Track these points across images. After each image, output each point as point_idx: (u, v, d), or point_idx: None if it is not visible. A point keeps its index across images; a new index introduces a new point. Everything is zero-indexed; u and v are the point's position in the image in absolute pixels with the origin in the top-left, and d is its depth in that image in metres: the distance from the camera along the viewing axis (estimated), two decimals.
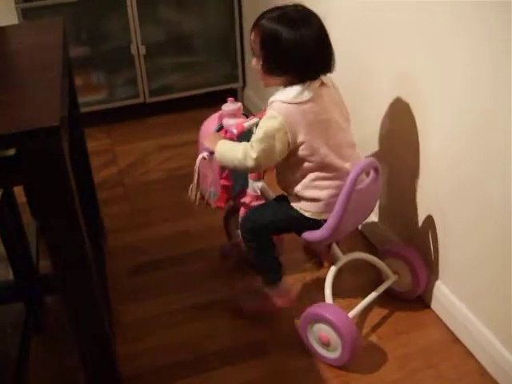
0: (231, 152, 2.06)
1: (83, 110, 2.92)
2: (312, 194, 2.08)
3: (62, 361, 2.21)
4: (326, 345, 2.13)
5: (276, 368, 2.18)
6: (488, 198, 1.93)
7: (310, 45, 1.95)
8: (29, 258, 2.31)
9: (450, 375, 2.09)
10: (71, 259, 1.54)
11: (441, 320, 2.30)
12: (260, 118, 2.10)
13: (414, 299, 2.38)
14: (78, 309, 1.64)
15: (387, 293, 2.34)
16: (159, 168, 3.48)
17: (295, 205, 2.13)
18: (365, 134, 2.54)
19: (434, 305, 2.34)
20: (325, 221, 2.09)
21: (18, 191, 2.49)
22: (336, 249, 2.28)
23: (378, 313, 2.38)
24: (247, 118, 2.26)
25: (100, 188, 2.99)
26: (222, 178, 2.31)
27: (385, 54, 2.37)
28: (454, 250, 2.19)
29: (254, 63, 2.07)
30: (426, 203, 2.30)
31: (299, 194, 2.11)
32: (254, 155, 1.98)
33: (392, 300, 2.39)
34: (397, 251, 2.38)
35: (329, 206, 2.07)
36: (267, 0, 3.42)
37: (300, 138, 1.99)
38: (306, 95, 1.98)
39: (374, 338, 2.27)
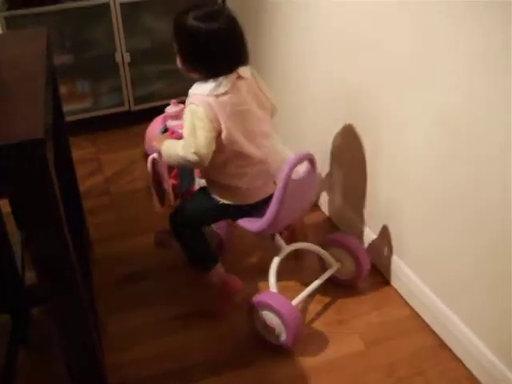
0: (173, 150, 2.16)
1: (68, 118, 2.91)
2: (230, 181, 2.22)
3: (49, 372, 2.20)
4: (271, 330, 2.23)
5: (262, 377, 2.19)
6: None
7: (219, 38, 2.06)
8: (14, 270, 2.29)
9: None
10: (57, 270, 1.52)
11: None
12: None
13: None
14: (64, 319, 1.62)
15: (331, 281, 2.48)
16: (145, 176, 3.47)
17: (215, 194, 2.28)
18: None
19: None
20: (246, 206, 2.25)
21: (3, 202, 2.48)
22: (279, 239, 2.38)
23: (321, 300, 2.50)
24: None
25: (86, 197, 2.97)
26: (170, 178, 2.41)
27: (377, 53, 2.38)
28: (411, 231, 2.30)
29: (177, 60, 2.19)
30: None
31: (218, 181, 2.24)
32: (193, 149, 2.07)
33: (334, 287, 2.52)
34: (338, 240, 2.50)
35: (245, 193, 2.23)
36: (251, 6, 3.45)
37: (221, 128, 2.10)
38: (223, 88, 2.09)
39: (316, 325, 2.39)
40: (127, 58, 3.86)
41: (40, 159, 1.35)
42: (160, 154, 2.27)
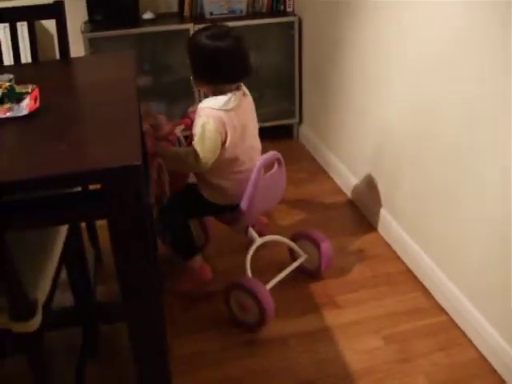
0: (180, 158, 2.43)
1: None
2: (219, 182, 2.50)
3: None
4: (245, 310, 2.49)
5: None
6: None
7: (226, 54, 2.37)
8: (88, 286, 2.34)
9: None
10: (141, 289, 1.57)
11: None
12: (184, 125, 2.67)
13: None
14: (142, 338, 1.66)
15: (299, 270, 2.79)
16: None
17: (204, 192, 2.54)
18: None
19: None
20: (226, 205, 2.54)
21: None
22: (252, 232, 2.68)
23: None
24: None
25: None
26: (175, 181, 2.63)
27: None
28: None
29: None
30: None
31: (209, 181, 2.51)
32: (201, 155, 2.35)
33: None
34: (306, 234, 2.79)
35: (229, 194, 2.51)
36: (326, 36, 3.50)
37: (226, 139, 2.38)
38: (232, 104, 2.38)
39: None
40: None
41: (136, 184, 1.40)
42: (164, 160, 2.50)
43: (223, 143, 2.39)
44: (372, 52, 3.00)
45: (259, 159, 2.45)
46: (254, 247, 2.66)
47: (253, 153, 2.54)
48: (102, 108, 1.81)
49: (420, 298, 2.67)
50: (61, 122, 1.71)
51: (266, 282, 2.57)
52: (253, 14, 4.03)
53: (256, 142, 2.58)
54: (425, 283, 2.72)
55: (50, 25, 3.70)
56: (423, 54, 2.52)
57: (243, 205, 2.47)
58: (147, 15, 3.99)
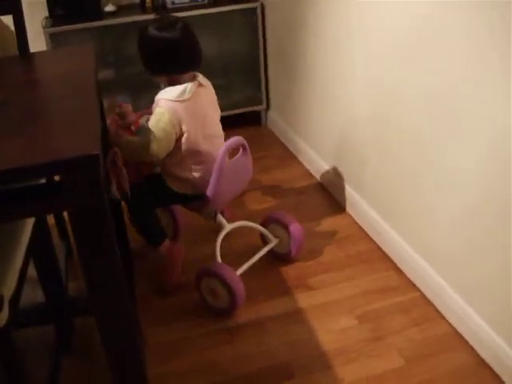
0: (133, 147, 2.44)
1: None
2: (185, 174, 2.52)
3: (92, 381, 2.24)
4: (216, 297, 2.50)
5: None
6: None
7: (173, 45, 2.40)
8: (59, 281, 2.33)
9: None
10: (106, 281, 1.56)
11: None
12: (149, 114, 2.56)
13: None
14: (111, 331, 1.65)
15: (272, 255, 2.82)
16: None
17: (170, 183, 2.56)
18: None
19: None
20: (194, 195, 2.56)
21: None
22: (221, 218, 2.70)
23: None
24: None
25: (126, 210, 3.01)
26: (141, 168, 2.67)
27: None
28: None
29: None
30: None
31: (175, 174, 2.53)
32: (155, 147, 2.38)
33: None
34: (276, 218, 2.80)
35: (196, 184, 2.53)
36: (290, 22, 3.50)
37: (183, 129, 2.41)
38: (187, 94, 2.41)
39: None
40: None
41: (94, 174, 1.39)
42: (120, 148, 2.44)
43: (180, 136, 2.43)
44: (334, 36, 3.01)
45: (224, 144, 2.47)
46: (223, 233, 2.68)
47: (216, 141, 2.57)
48: (61, 101, 1.80)
49: (392, 275, 2.69)
50: (19, 116, 1.70)
51: (238, 268, 2.60)
52: (214, 2, 4.01)
53: (218, 130, 2.61)
54: (396, 261, 2.74)
55: (9, 21, 3.66)
56: (384, 39, 2.54)
57: (209, 191, 2.48)
58: (109, 8, 3.96)
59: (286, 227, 2.76)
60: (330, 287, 2.65)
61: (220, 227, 2.70)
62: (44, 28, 3.70)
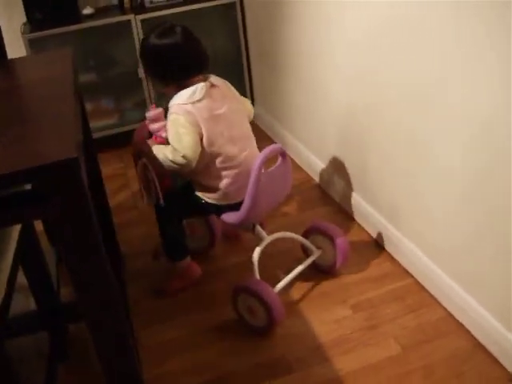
0: (162, 155, 2.32)
1: (95, 135, 2.94)
2: (211, 183, 2.41)
3: None
4: (253, 314, 2.38)
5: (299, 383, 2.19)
6: None
7: (175, 49, 2.34)
8: (50, 287, 2.32)
9: None
10: (94, 285, 1.55)
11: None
12: None
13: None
14: (102, 335, 1.64)
15: (313, 267, 2.65)
16: None
17: (199, 192, 2.47)
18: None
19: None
20: (227, 205, 2.43)
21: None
22: (259, 230, 2.54)
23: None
24: None
25: (114, 212, 2.99)
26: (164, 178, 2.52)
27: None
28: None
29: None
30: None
31: (203, 182, 2.43)
32: (181, 153, 2.27)
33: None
34: (319, 228, 2.63)
35: (229, 194, 2.41)
36: (270, 15, 3.49)
37: (201, 131, 2.30)
38: (197, 95, 2.31)
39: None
40: None
41: (75, 178, 1.38)
42: (149, 159, 2.40)
43: (201, 137, 2.31)
44: (314, 27, 2.99)
45: (257, 154, 2.34)
46: (262, 246, 2.51)
47: (246, 143, 2.44)
48: (39, 107, 1.79)
49: (384, 263, 2.68)
50: None
51: (276, 283, 2.47)
52: None
53: (242, 131, 2.44)
54: (389, 250, 2.74)
55: None
56: (364, 31, 2.53)
57: (246, 205, 2.33)
58: (87, 10, 3.93)
59: (331, 239, 2.58)
60: (323, 278, 2.64)
61: (259, 239, 2.54)
62: (23, 34, 3.68)
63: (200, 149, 2.31)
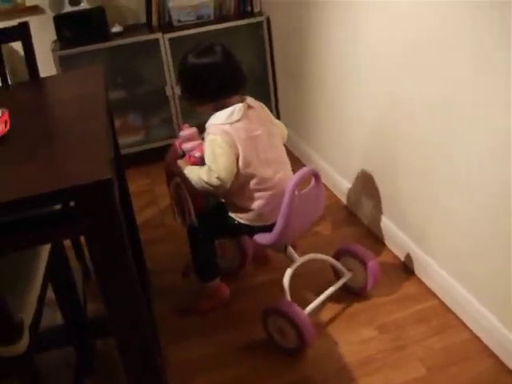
0: (196, 176, 2.33)
1: (121, 152, 2.97)
2: (245, 204, 2.40)
3: None
4: (284, 336, 2.36)
5: None
6: None
7: (215, 68, 2.33)
8: (77, 303, 2.34)
9: None
10: (123, 303, 1.56)
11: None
12: None
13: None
14: (130, 351, 1.65)
15: (343, 289, 2.62)
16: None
17: (232, 213, 2.45)
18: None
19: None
20: (260, 226, 2.42)
21: None
22: (291, 251, 2.52)
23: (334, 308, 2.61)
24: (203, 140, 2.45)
25: (141, 229, 3.01)
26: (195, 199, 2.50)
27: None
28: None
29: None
30: None
31: (236, 203, 2.42)
32: (216, 174, 2.27)
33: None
34: (350, 250, 2.61)
35: (262, 215, 2.40)
36: (296, 34, 3.51)
37: (238, 151, 2.29)
38: (236, 116, 2.30)
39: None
40: (177, 91, 3.94)
41: (108, 198, 1.40)
42: (182, 179, 2.40)
43: (237, 157, 2.30)
44: (340, 45, 3.01)
45: (291, 177, 2.34)
46: (293, 268, 2.49)
47: (280, 167, 2.43)
48: (72, 125, 1.82)
49: (411, 285, 2.67)
50: (31, 142, 1.71)
51: (307, 302, 2.46)
52: (220, 18, 4.04)
53: (276, 154, 2.44)
54: (417, 273, 2.73)
55: (18, 46, 3.69)
56: (389, 50, 2.54)
57: (278, 226, 2.33)
58: (116, 28, 3.99)
59: (362, 262, 2.56)
60: (351, 299, 2.63)
61: (290, 260, 2.52)
62: (53, 51, 3.73)
63: (235, 170, 2.30)
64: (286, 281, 2.45)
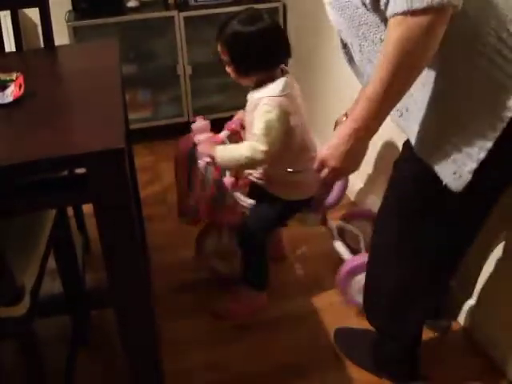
0: (235, 153, 2.26)
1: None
2: (296, 177, 2.37)
3: (108, 373, 2.26)
4: None
5: None
6: None
7: (267, 36, 2.21)
8: (77, 272, 2.35)
9: None
10: (128, 272, 1.58)
11: None
12: (229, 131, 2.50)
13: None
14: (130, 323, 1.67)
15: None
16: None
17: (277, 192, 2.42)
18: None
19: None
20: (302, 201, 2.45)
21: None
22: (331, 223, 2.62)
23: None
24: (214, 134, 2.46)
25: (143, 205, 3.02)
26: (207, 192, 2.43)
27: None
28: None
29: (229, 71, 2.31)
30: None
31: (284, 179, 2.38)
32: (263, 148, 2.18)
33: None
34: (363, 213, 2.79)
35: (306, 187, 2.41)
36: (311, 22, 3.50)
37: (291, 124, 2.25)
38: (289, 88, 2.24)
39: None
40: (189, 71, 3.95)
41: (120, 167, 1.41)
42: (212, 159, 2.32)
43: (288, 131, 2.25)
44: None
45: None
46: (337, 237, 2.60)
47: (311, 136, 2.44)
48: (87, 95, 1.82)
49: None
50: (45, 108, 1.72)
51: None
52: (237, 0, 4.02)
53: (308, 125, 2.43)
54: None
55: (33, 14, 3.69)
56: None
57: (335, 197, 2.59)
58: (131, 3, 3.98)
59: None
60: None
61: (331, 228, 2.61)
62: (67, 21, 3.73)
63: (279, 145, 2.22)
64: (338, 246, 2.57)
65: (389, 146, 2.86)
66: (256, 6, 3.87)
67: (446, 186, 1.57)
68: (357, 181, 3.29)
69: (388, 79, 1.42)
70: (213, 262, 2.72)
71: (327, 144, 1.66)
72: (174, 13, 3.84)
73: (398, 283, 1.89)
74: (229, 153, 2.29)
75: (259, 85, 2.28)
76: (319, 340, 2.38)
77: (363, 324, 2.27)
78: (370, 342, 2.15)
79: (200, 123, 2.47)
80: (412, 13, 1.32)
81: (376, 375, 2.17)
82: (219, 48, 2.30)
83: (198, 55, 3.99)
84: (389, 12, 1.38)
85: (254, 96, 2.29)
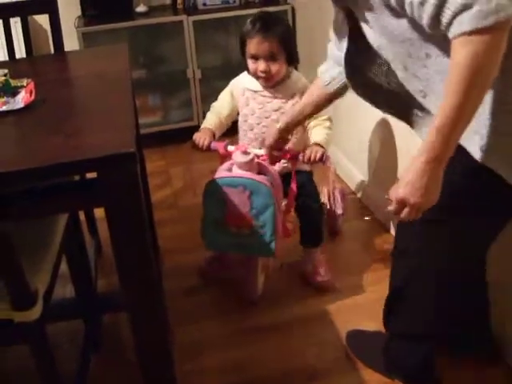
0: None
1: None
2: None
3: (120, 377, 2.26)
4: None
5: None
6: None
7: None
8: (89, 277, 2.36)
9: None
10: (140, 276, 1.59)
11: None
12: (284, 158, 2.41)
13: None
14: (143, 325, 1.68)
15: None
16: None
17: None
18: None
19: None
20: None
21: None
22: None
23: None
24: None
25: (155, 209, 3.03)
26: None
27: None
28: None
29: (275, 67, 2.46)
30: None
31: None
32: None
33: None
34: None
35: None
36: (320, 24, 3.50)
37: None
38: None
39: None
40: (198, 75, 3.96)
41: (130, 172, 1.42)
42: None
43: None
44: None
45: None
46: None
47: None
48: (97, 100, 1.84)
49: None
50: (56, 113, 1.73)
51: None
52: (245, 4, 4.04)
53: None
54: None
55: (43, 20, 3.71)
56: None
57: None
58: (140, 8, 4.00)
59: None
60: (355, 290, 2.65)
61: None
62: (77, 27, 3.75)
63: None
64: None
65: (394, 138, 2.88)
66: (266, 9, 3.94)
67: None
68: (359, 175, 3.37)
69: (460, 103, 1.36)
70: None
71: (400, 183, 1.54)
72: (183, 17, 3.86)
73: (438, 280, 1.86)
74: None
75: (279, 82, 2.54)
76: (331, 343, 2.38)
77: (375, 326, 2.28)
78: (381, 344, 2.14)
79: (247, 159, 2.26)
80: (480, 30, 1.30)
81: (388, 377, 2.16)
82: (266, 45, 2.42)
83: (208, 59, 4.00)
84: (454, 32, 1.34)
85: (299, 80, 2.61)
